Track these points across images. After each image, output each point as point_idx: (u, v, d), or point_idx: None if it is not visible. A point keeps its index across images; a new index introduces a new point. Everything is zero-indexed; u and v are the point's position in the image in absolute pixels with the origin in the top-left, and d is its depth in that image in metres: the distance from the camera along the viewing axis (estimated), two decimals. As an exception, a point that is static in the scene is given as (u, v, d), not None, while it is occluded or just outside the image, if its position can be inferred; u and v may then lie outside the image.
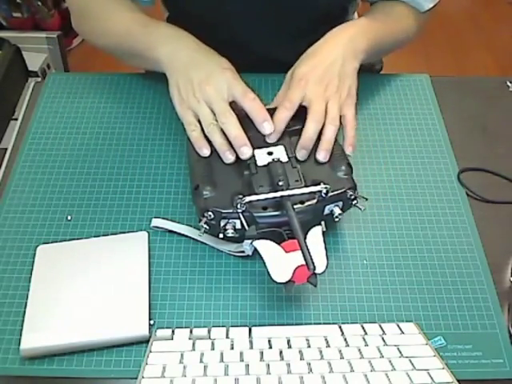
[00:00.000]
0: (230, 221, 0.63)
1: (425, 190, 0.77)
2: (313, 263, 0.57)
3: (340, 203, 0.66)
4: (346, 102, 0.71)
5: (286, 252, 0.61)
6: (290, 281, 0.60)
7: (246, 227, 0.63)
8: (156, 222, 0.71)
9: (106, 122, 0.85)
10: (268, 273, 0.60)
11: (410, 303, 0.66)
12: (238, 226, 0.64)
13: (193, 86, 0.70)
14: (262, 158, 0.68)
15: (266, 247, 0.62)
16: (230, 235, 0.64)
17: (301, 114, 0.71)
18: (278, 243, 0.62)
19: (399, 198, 0.76)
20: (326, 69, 0.72)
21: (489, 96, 0.91)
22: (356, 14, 1.10)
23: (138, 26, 0.79)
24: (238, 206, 0.61)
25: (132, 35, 0.79)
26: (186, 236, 0.71)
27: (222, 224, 0.64)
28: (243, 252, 0.66)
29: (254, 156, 0.68)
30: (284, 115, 0.69)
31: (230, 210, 0.63)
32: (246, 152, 0.67)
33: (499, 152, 0.83)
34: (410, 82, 0.90)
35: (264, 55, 0.92)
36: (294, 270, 0.59)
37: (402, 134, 0.84)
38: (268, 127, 0.68)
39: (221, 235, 0.65)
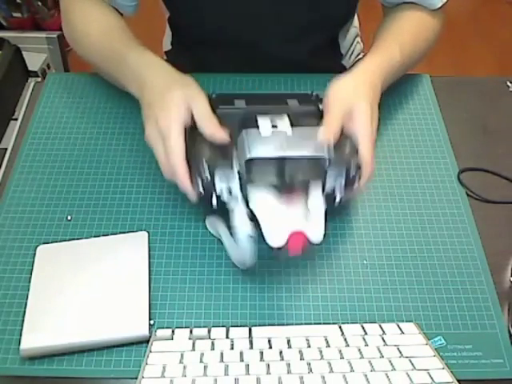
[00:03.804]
0: (225, 184, 0.62)
1: (425, 190, 0.77)
2: None
3: (342, 181, 0.64)
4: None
5: (286, 204, 0.60)
6: (283, 248, 0.59)
7: (239, 194, 0.62)
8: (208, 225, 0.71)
9: (105, 122, 0.85)
10: (262, 236, 0.59)
11: (409, 303, 0.66)
12: (235, 189, 0.62)
13: (152, 125, 0.67)
14: (265, 129, 0.64)
15: (263, 203, 0.61)
16: (225, 200, 0.62)
17: (307, 98, 0.73)
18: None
19: (399, 198, 0.76)
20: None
21: (489, 96, 0.91)
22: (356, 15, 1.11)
23: (113, 55, 0.78)
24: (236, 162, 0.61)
25: (111, 65, 0.79)
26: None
27: (217, 184, 0.62)
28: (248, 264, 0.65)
29: (257, 125, 0.64)
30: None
31: (226, 166, 0.62)
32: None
33: (499, 152, 0.83)
34: (409, 81, 0.90)
35: (265, 54, 0.92)
36: (289, 236, 0.58)
37: (402, 134, 0.84)
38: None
39: (214, 200, 0.63)
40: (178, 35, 1.10)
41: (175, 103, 0.65)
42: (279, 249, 0.59)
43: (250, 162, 0.61)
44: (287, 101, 0.72)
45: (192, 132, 0.66)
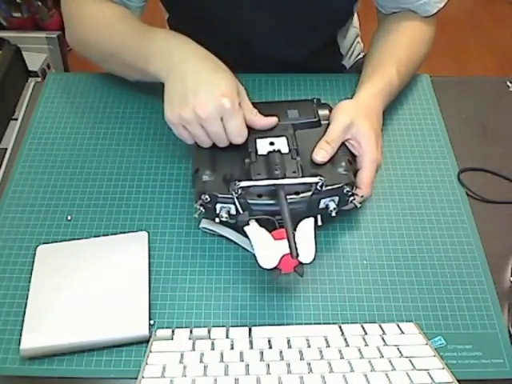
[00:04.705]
0: (225, 205, 0.64)
1: (425, 189, 0.77)
2: (296, 250, 0.58)
3: (336, 198, 0.66)
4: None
5: (275, 239, 0.61)
6: (276, 268, 0.60)
7: (241, 211, 0.64)
8: (204, 223, 0.71)
9: (105, 122, 0.85)
10: (255, 259, 0.61)
11: (410, 303, 0.66)
12: (233, 211, 0.65)
13: (187, 109, 0.66)
14: (263, 147, 0.69)
15: (256, 233, 0.63)
16: (224, 220, 0.65)
17: (308, 107, 0.74)
18: (269, 231, 0.63)
19: (399, 198, 0.76)
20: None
21: (489, 96, 0.91)
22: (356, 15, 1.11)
23: (134, 35, 0.77)
24: (234, 191, 0.62)
25: (128, 46, 0.77)
26: (229, 240, 0.71)
27: (218, 208, 0.65)
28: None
29: (255, 145, 0.69)
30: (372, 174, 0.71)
31: (226, 195, 0.64)
32: None
33: (499, 152, 0.83)
34: (410, 81, 0.90)
35: (265, 54, 0.92)
36: (281, 258, 0.60)
37: (402, 134, 0.84)
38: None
39: (217, 219, 0.65)
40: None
41: (230, 84, 0.68)
42: (271, 269, 0.60)
43: (244, 188, 0.63)
44: (287, 111, 0.74)
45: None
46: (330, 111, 0.75)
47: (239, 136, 0.67)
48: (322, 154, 0.67)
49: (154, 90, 0.89)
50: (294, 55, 0.92)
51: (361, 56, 1.15)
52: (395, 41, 0.85)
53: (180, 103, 0.66)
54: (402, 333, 0.61)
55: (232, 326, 0.62)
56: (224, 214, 0.64)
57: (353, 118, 0.70)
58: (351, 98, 0.76)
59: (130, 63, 0.76)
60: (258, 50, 0.92)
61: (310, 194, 0.64)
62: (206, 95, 0.65)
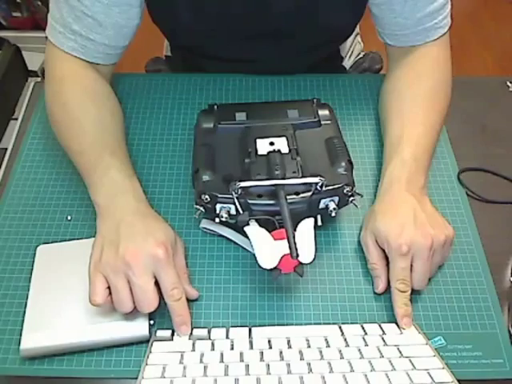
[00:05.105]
0: (225, 205, 0.65)
1: (425, 189, 0.77)
2: (296, 251, 0.58)
3: (336, 198, 0.66)
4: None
5: (275, 239, 0.61)
6: (276, 268, 0.60)
7: (241, 211, 0.64)
8: (204, 223, 0.72)
9: (105, 122, 0.85)
10: (255, 259, 0.61)
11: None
12: (233, 211, 0.65)
13: (116, 256, 0.60)
14: (263, 147, 0.69)
15: (256, 233, 0.63)
16: (224, 220, 0.65)
17: (308, 108, 0.74)
18: (269, 231, 0.63)
19: (399, 198, 0.76)
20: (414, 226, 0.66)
21: (489, 96, 0.92)
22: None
23: (90, 157, 0.70)
24: (234, 191, 0.62)
25: (83, 163, 0.71)
26: (229, 239, 0.71)
27: (218, 208, 0.65)
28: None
29: (255, 145, 0.69)
30: (406, 299, 0.64)
31: (226, 195, 0.64)
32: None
33: (499, 152, 0.83)
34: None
35: (266, 70, 0.92)
36: (281, 258, 0.60)
37: (402, 134, 0.84)
38: (184, 331, 0.61)
39: (217, 219, 0.66)
40: (176, 50, 1.10)
41: (168, 233, 0.64)
42: (271, 270, 0.61)
43: (244, 188, 0.63)
44: (287, 111, 0.75)
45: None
46: (330, 111, 0.76)
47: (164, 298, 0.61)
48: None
49: (153, 90, 0.90)
50: (294, 70, 0.92)
51: (361, 56, 1.15)
52: (410, 119, 0.76)
53: (109, 249, 0.61)
54: (402, 333, 0.62)
55: (232, 327, 0.63)
56: (224, 214, 0.65)
57: (371, 227, 0.68)
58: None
59: (82, 174, 0.72)
60: (257, 66, 0.92)
61: (310, 194, 0.64)
62: (139, 242, 0.61)
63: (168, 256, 0.61)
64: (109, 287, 0.60)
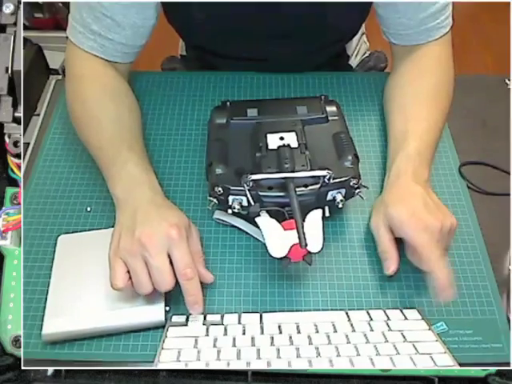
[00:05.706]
0: (237, 197, 0.66)
1: (427, 182, 0.78)
2: (305, 240, 0.59)
3: (343, 190, 0.68)
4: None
5: (285, 230, 0.63)
6: (286, 257, 0.62)
7: (252, 203, 0.66)
8: (217, 214, 0.73)
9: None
10: (266, 248, 0.62)
11: (413, 290, 0.68)
12: (245, 202, 0.67)
13: (132, 240, 0.62)
14: (273, 141, 0.71)
15: (266, 224, 0.65)
16: (236, 211, 0.67)
17: (316, 104, 0.76)
18: (279, 222, 0.64)
19: (403, 191, 0.77)
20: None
21: (488, 93, 0.92)
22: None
23: (109, 151, 0.72)
24: (245, 184, 0.64)
25: (102, 158, 0.73)
26: (242, 230, 0.73)
27: (230, 200, 0.67)
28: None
29: (266, 139, 0.71)
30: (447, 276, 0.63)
31: (238, 187, 0.66)
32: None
33: (498, 146, 0.84)
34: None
35: (275, 67, 0.94)
36: (291, 248, 0.61)
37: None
38: (197, 310, 0.63)
39: (229, 211, 0.67)
40: (190, 49, 1.12)
41: (181, 219, 0.65)
42: (281, 258, 0.62)
43: (255, 181, 0.65)
44: (296, 108, 0.77)
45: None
46: (337, 107, 0.77)
47: (183, 271, 0.62)
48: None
49: (169, 87, 0.91)
50: (303, 68, 0.94)
51: (366, 55, 1.16)
52: (415, 117, 0.78)
53: (126, 236, 0.63)
54: (406, 318, 0.63)
55: (244, 312, 0.64)
56: (236, 206, 0.66)
57: (383, 213, 0.69)
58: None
59: (101, 168, 0.74)
60: (270, 67, 0.93)
61: (318, 186, 0.66)
62: (154, 226, 0.62)
63: (181, 236, 0.62)
64: (128, 271, 0.62)
